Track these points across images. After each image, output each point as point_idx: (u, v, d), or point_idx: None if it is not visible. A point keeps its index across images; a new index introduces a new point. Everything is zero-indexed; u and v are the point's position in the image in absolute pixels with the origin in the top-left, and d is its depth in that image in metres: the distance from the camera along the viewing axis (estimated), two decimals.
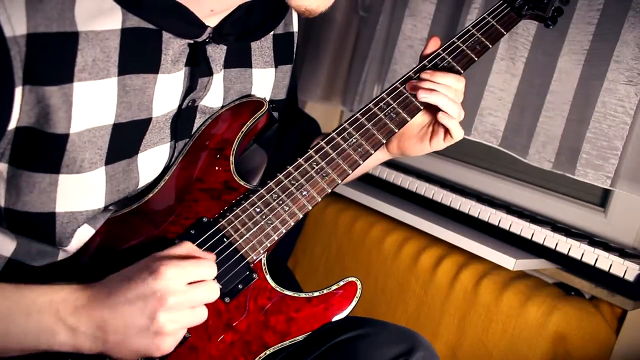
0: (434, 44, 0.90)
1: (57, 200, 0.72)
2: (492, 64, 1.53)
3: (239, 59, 0.89)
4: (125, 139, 0.76)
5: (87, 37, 0.68)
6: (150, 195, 0.81)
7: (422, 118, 0.92)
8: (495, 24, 0.91)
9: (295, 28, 0.98)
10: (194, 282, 0.69)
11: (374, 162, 1.01)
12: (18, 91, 0.65)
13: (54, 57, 0.66)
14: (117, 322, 0.66)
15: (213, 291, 0.70)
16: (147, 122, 0.77)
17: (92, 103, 0.70)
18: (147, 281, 0.66)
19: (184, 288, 0.67)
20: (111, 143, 0.73)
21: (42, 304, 0.67)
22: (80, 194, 0.73)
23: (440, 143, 0.92)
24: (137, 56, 0.73)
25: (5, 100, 0.65)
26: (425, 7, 1.72)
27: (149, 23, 0.73)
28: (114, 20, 0.71)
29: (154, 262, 0.68)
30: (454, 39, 0.89)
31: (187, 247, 0.72)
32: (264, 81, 0.94)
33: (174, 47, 0.77)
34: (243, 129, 0.86)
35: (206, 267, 0.70)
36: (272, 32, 0.94)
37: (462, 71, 0.88)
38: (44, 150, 0.69)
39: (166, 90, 0.78)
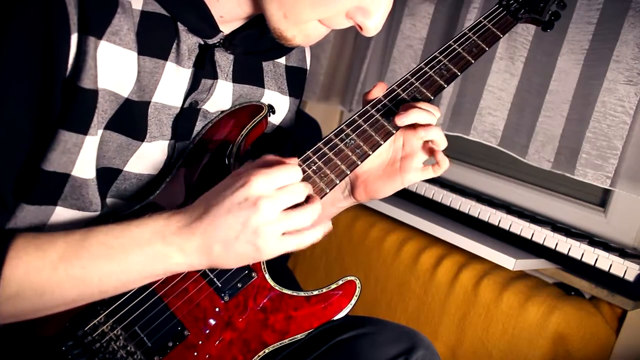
0: (380, 89, 0.87)
1: (76, 163, 0.74)
2: (491, 63, 1.53)
3: (251, 77, 0.91)
4: (133, 118, 0.77)
5: (125, 7, 0.72)
6: (152, 197, 0.82)
7: (384, 157, 0.90)
8: (491, 27, 0.91)
9: (308, 66, 1.01)
10: (283, 187, 0.70)
11: (337, 210, 0.98)
12: (74, 38, 0.68)
13: (98, 9, 0.69)
14: (217, 233, 0.68)
15: (300, 192, 0.71)
16: (146, 105, 0.79)
17: (114, 67, 0.72)
18: (240, 190, 0.68)
19: (273, 192, 0.69)
20: (117, 113, 0.75)
21: (148, 234, 0.69)
22: (92, 158, 0.75)
23: (416, 176, 0.87)
24: (152, 40, 0.76)
25: (65, 49, 0.68)
26: (424, 7, 1.72)
27: (166, 11, 0.76)
28: (137, 0, 0.74)
29: (242, 173, 0.70)
30: (450, 42, 0.90)
31: (269, 157, 0.74)
32: (277, 105, 0.96)
33: (186, 43, 0.79)
34: (243, 132, 0.87)
35: (291, 171, 0.71)
36: (284, 63, 0.96)
37: (459, 73, 0.88)
38: (78, 106, 0.71)
39: (171, 81, 0.79)
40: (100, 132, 0.75)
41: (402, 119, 0.81)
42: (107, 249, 0.68)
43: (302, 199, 0.71)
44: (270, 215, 0.68)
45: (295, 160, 0.75)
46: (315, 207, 0.71)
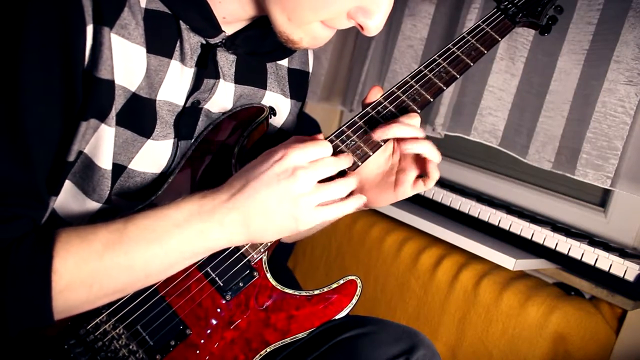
0: (376, 92, 0.87)
1: (88, 144, 0.75)
2: (492, 63, 1.54)
3: (253, 78, 0.91)
4: (140, 114, 0.77)
5: (131, 2, 0.73)
6: (154, 197, 0.82)
7: (381, 169, 0.90)
8: (489, 30, 0.92)
9: (310, 69, 1.01)
10: (316, 161, 0.74)
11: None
12: (89, 29, 0.69)
13: (109, 2, 0.70)
14: (257, 205, 0.71)
15: (331, 165, 0.74)
16: (154, 102, 0.79)
17: (122, 61, 0.73)
18: (278, 163, 0.71)
19: (308, 164, 0.72)
20: (124, 108, 0.75)
21: (185, 214, 0.71)
22: (110, 149, 0.77)
23: (407, 190, 0.87)
24: (157, 38, 0.76)
25: (82, 40, 0.68)
26: (425, 7, 1.73)
27: (169, 10, 0.77)
28: None
29: (278, 149, 0.74)
30: (449, 45, 0.90)
31: (296, 136, 0.77)
32: (278, 107, 0.96)
33: (189, 42, 0.79)
34: (244, 134, 0.87)
35: (323, 145, 0.75)
36: (287, 66, 0.96)
37: (458, 76, 0.89)
38: (97, 97, 0.71)
39: (175, 79, 0.80)
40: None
41: (380, 135, 0.81)
42: (148, 233, 0.70)
43: (334, 172, 0.74)
44: (307, 186, 0.71)
45: (322, 136, 0.78)
46: (349, 181, 0.74)
